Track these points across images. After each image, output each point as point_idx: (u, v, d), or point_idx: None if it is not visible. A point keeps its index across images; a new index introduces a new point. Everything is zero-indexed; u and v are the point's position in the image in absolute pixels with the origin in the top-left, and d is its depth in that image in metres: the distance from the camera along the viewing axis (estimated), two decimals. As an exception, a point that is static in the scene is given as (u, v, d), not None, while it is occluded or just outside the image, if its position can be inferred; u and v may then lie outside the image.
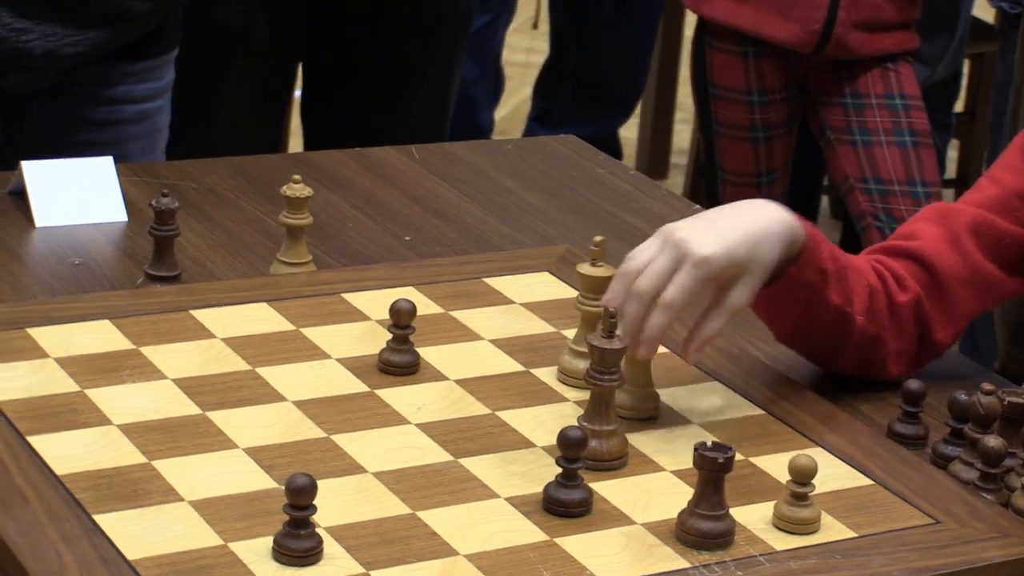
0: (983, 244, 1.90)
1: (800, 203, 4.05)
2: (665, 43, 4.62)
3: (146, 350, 1.85)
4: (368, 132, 2.84)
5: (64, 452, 1.65)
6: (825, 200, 4.73)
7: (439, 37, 3.03)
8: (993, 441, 1.72)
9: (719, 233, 1.74)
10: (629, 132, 4.79)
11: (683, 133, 4.98)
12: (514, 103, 4.77)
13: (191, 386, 1.79)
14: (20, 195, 2.20)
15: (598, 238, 1.92)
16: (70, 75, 2.45)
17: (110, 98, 2.51)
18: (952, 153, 4.69)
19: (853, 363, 1.91)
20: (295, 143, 3.24)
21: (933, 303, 1.91)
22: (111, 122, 2.52)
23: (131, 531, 1.54)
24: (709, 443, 1.60)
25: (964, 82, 4.60)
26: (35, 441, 1.67)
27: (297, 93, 3.15)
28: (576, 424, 1.67)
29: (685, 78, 4.74)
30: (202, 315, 1.93)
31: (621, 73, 4.07)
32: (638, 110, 4.71)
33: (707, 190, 3.57)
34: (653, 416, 1.81)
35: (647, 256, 1.75)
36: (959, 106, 4.63)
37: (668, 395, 1.85)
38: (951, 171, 4.75)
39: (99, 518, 1.55)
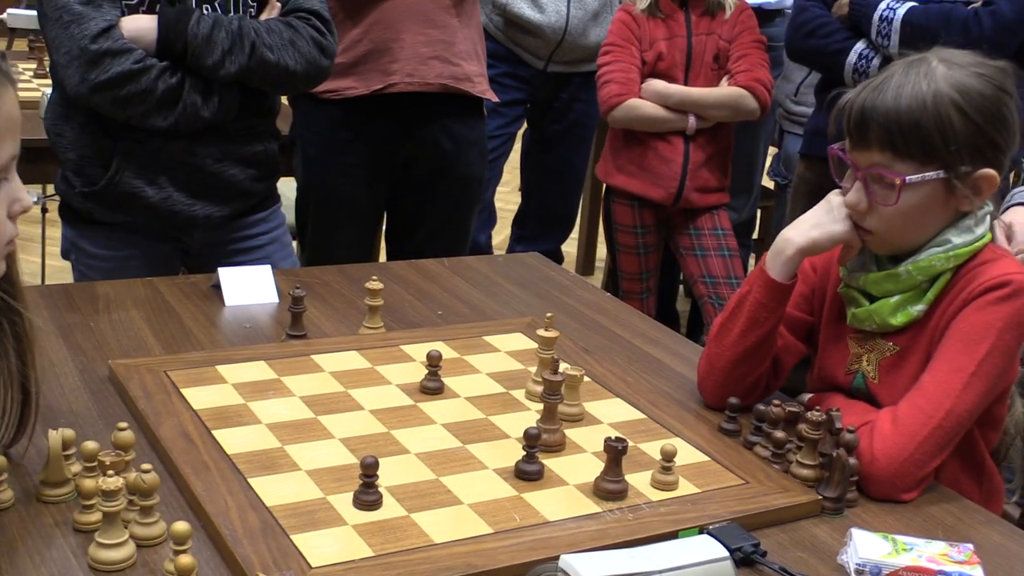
0: (787, 326, 1.81)
1: (665, 290, 3.98)
2: (591, 197, 4.57)
3: (284, 379, 1.75)
4: (422, 251, 2.75)
5: (233, 440, 1.56)
6: (681, 288, 4.63)
7: (465, 194, 2.94)
8: (780, 434, 1.64)
9: None
10: (570, 248, 4.69)
11: (602, 251, 4.89)
12: (504, 234, 4.69)
13: (309, 401, 1.69)
14: (217, 287, 2.10)
15: (549, 314, 1.84)
16: (220, 229, 2.38)
17: (245, 236, 2.43)
18: (752, 262, 4.60)
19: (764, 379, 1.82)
20: (382, 257, 3.15)
21: (774, 364, 1.82)
22: (252, 248, 2.43)
23: (270, 488, 1.45)
24: (613, 436, 1.51)
25: (758, 222, 4.52)
26: (216, 433, 1.57)
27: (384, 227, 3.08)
28: (534, 425, 1.57)
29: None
30: (318, 358, 1.83)
31: (562, 213, 4.01)
32: (575, 234, 4.63)
33: (613, 285, 3.49)
34: (579, 420, 1.71)
35: None
36: (755, 235, 4.54)
37: (588, 407, 1.75)
38: (748, 270, 4.67)
39: (251, 480, 1.46)
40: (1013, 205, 2.25)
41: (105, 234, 2.30)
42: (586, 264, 4.77)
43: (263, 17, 2.29)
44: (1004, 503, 1.82)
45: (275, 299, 2.09)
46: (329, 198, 2.86)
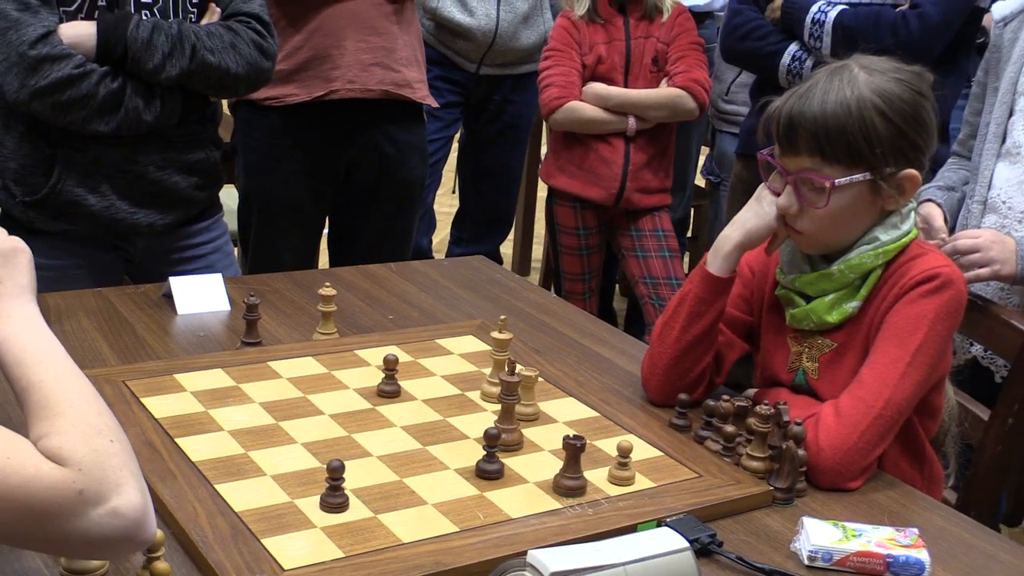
0: (728, 325, 1.88)
1: (604, 291, 4.05)
2: (527, 199, 4.62)
3: (243, 386, 1.79)
4: (366, 256, 2.79)
5: (197, 447, 1.59)
6: (617, 288, 4.71)
7: (407, 198, 2.98)
8: (730, 428, 1.70)
9: None
10: (506, 249, 4.74)
11: (537, 251, 4.95)
12: (442, 236, 4.72)
13: (269, 407, 1.73)
14: (168, 296, 2.12)
15: (502, 317, 1.89)
16: (163, 237, 2.39)
17: (189, 245, 2.45)
18: (686, 261, 4.68)
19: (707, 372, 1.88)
20: (323, 262, 3.18)
21: (715, 360, 1.88)
22: (195, 257, 2.45)
23: (237, 494, 1.48)
24: (571, 434, 1.56)
25: (691, 221, 4.61)
26: (179, 441, 1.60)
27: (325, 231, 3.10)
28: (493, 425, 1.62)
29: (538, 219, 4.73)
30: (275, 365, 1.87)
31: (499, 214, 4.06)
32: (512, 236, 4.68)
33: (555, 286, 3.54)
34: (535, 420, 1.77)
35: None
36: (689, 233, 4.63)
37: (544, 407, 1.81)
38: (685, 270, 4.76)
39: (218, 486, 1.50)
40: (923, 201, 2.35)
41: (47, 243, 2.31)
42: (522, 265, 4.83)
43: (203, 22, 2.31)
44: (943, 490, 1.91)
45: (227, 307, 2.12)
46: (271, 205, 2.88)
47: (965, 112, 2.46)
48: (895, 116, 1.69)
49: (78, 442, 1.02)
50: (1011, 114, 2.27)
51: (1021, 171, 2.23)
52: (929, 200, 2.36)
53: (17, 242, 1.23)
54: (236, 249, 2.95)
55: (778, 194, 1.76)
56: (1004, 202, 2.23)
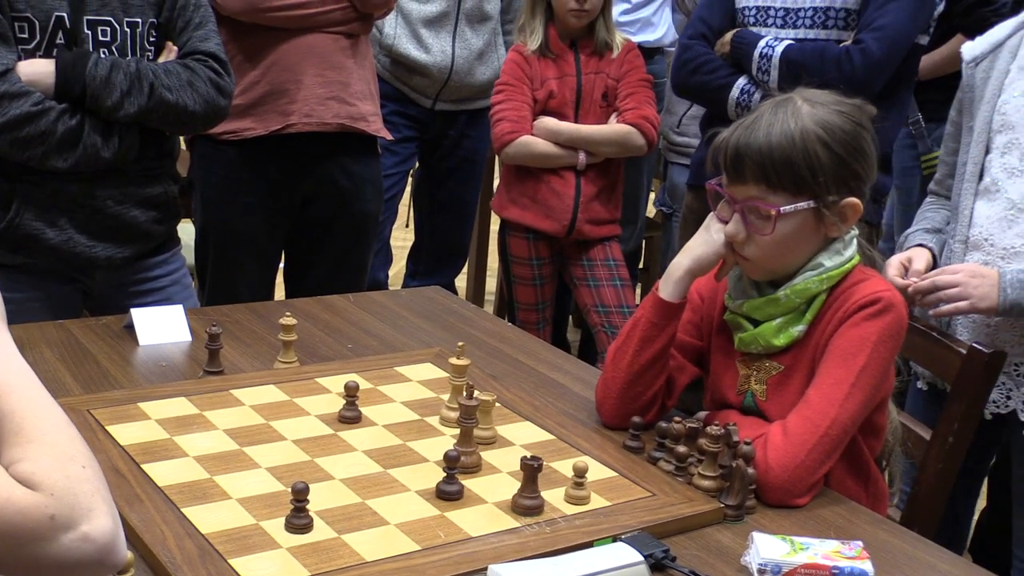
0: (679, 349, 1.95)
1: (557, 319, 4.11)
2: (480, 231, 4.68)
3: (207, 413, 1.83)
4: (321, 288, 2.83)
5: (162, 472, 1.63)
6: (570, 318, 4.77)
7: (363, 231, 3.04)
8: (682, 448, 1.76)
9: None
10: (460, 282, 4.80)
11: (491, 284, 5.02)
12: (397, 268, 4.77)
13: (233, 433, 1.77)
14: (130, 327, 2.17)
15: (460, 343, 1.94)
16: (122, 270, 2.43)
17: (147, 278, 2.49)
18: (638, 291, 4.75)
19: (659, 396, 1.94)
20: (278, 295, 3.22)
21: (667, 384, 1.95)
22: (153, 290, 2.49)
23: (203, 516, 1.52)
24: (528, 455, 1.61)
25: (643, 252, 4.69)
26: (146, 467, 1.64)
27: (281, 265, 3.14)
28: (452, 448, 1.67)
29: (491, 251, 4.80)
30: (237, 393, 1.91)
31: (454, 247, 4.12)
32: (465, 269, 4.74)
33: (509, 317, 3.60)
34: (492, 443, 1.82)
35: None
36: (641, 264, 4.70)
37: (501, 431, 1.86)
38: (636, 300, 4.83)
39: (185, 510, 1.53)
40: (913, 246, 2.41)
41: (6, 276, 2.34)
42: (476, 297, 4.88)
43: (160, 60, 2.36)
44: (888, 507, 1.98)
45: (188, 337, 2.16)
46: (229, 238, 2.93)
47: (940, 152, 2.50)
48: (837, 146, 1.77)
49: (50, 468, 1.05)
50: (987, 152, 2.30)
51: (1001, 207, 2.26)
52: (921, 245, 2.41)
53: None
54: (194, 282, 2.99)
55: (726, 222, 1.83)
56: (986, 239, 2.27)
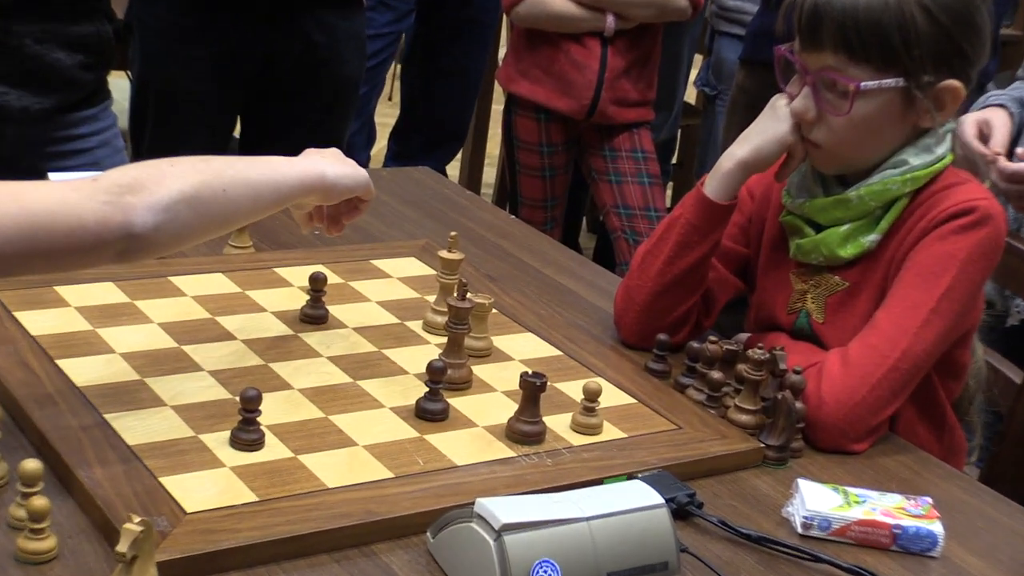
0: (721, 258, 1.93)
1: (568, 222, 4.10)
2: (479, 113, 4.64)
3: (138, 303, 1.82)
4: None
5: (82, 371, 1.62)
6: (584, 220, 4.76)
7: (340, 101, 3.00)
8: (716, 374, 1.75)
9: None
10: (453, 170, 4.78)
11: (489, 174, 4.99)
12: (378, 148, 4.74)
13: (170, 328, 1.76)
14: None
15: (453, 233, 1.93)
16: (40, 125, 2.39)
17: (69, 136, 2.46)
18: (668, 192, 4.74)
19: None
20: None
21: (704, 299, 1.93)
22: (77, 151, 2.46)
23: (130, 425, 1.52)
24: (529, 371, 1.61)
25: (678, 144, 4.67)
26: (61, 363, 1.63)
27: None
28: (438, 358, 1.66)
29: (492, 136, 4.77)
30: (176, 280, 1.91)
31: (451, 128, 4.08)
32: (459, 156, 4.71)
33: (510, 211, 3.58)
34: (487, 355, 1.81)
35: None
36: (675, 159, 4.69)
37: (498, 341, 1.85)
38: (667, 203, 4.82)
39: (108, 416, 1.53)
40: (990, 105, 2.37)
41: None
42: (470, 189, 4.87)
43: None
44: (964, 464, 1.97)
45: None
46: (172, 99, 2.89)
47: None
48: (941, 14, 1.73)
49: None
50: None
51: None
52: (999, 105, 2.36)
53: None
54: (127, 149, 2.96)
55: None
56: None
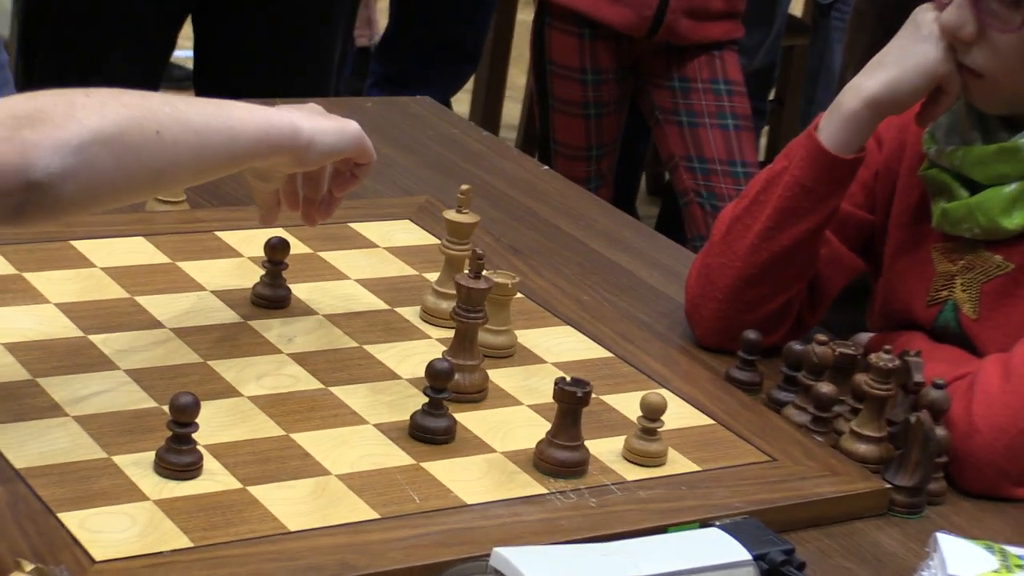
0: (834, 228, 1.94)
1: (622, 179, 4.11)
2: (499, 25, 4.65)
3: (29, 276, 1.85)
4: (250, 92, 2.83)
5: (-47, 367, 1.65)
6: (644, 178, 4.77)
7: (326, 6, 3.04)
8: (826, 387, 1.77)
9: None
10: (461, 107, 4.80)
11: (512, 110, 5.00)
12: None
13: (72, 310, 1.79)
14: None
15: (464, 187, 1.94)
16: None
17: None
18: (763, 140, 4.74)
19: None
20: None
21: (810, 285, 1.97)
22: None
23: (19, 441, 1.54)
24: (567, 379, 1.62)
25: (777, 73, 4.67)
26: (-75, 355, 1.66)
27: (187, 54, 3.13)
28: (442, 357, 1.68)
29: (516, 58, 4.78)
30: (81, 245, 1.93)
31: (461, 44, 4.09)
32: (471, 85, 4.73)
33: (540, 160, 3.60)
34: (508, 354, 1.84)
35: None
36: (773, 95, 4.69)
37: (523, 337, 1.88)
38: (760, 155, 4.82)
39: (-12, 430, 1.55)
40: None
41: None
42: (486, 129, 4.90)
43: None
44: None
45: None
46: (79, 6, 2.93)
47: None
48: None
49: None
50: None
51: None
52: None
53: None
54: (12, 67, 2.99)
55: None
56: None
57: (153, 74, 3.03)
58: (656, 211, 4.55)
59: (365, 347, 1.81)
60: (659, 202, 4.60)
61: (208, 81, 3.08)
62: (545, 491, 1.59)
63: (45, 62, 2.95)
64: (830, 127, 1.87)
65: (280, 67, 3.00)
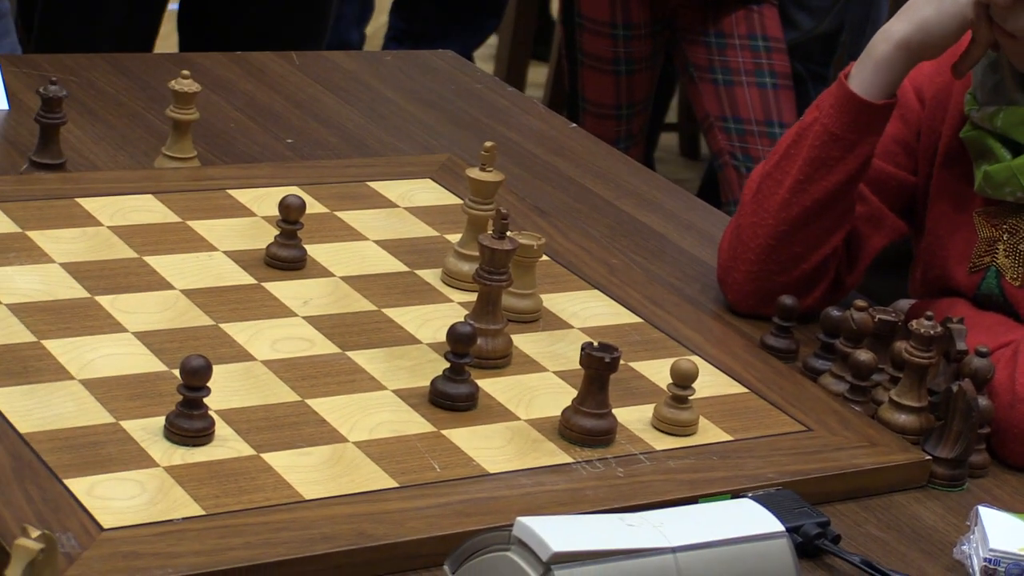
0: (873, 187, 1.95)
1: (654, 139, 4.11)
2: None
3: (33, 234, 1.86)
4: (244, 42, 2.84)
5: (-47, 327, 1.67)
6: (675, 137, 4.76)
7: None
8: (864, 355, 1.78)
9: None
10: (486, 62, 4.80)
11: (538, 69, 5.00)
12: (377, 25, 4.77)
13: (79, 270, 1.80)
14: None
15: (488, 143, 1.95)
16: None
17: None
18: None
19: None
20: (169, 45, 3.23)
21: (848, 245, 1.97)
22: None
23: (23, 406, 1.55)
24: (594, 344, 1.63)
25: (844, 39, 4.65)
26: (-75, 316, 1.68)
27: (174, 7, 3.14)
28: (464, 321, 1.70)
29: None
30: (88, 203, 1.94)
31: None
32: (494, 39, 4.73)
33: (568, 118, 3.59)
34: (534, 319, 1.85)
35: None
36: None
37: (549, 301, 1.89)
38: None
39: (-9, 393, 1.57)
40: None
41: None
42: (511, 85, 4.90)
43: None
44: None
45: (4, 104, 2.19)
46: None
47: None
48: None
49: None
50: None
51: None
52: None
53: None
54: (14, 18, 3.00)
55: None
56: None
57: (154, 17, 3.03)
58: (692, 173, 4.54)
59: (384, 310, 1.82)
60: (692, 164, 4.58)
61: (195, 25, 3.08)
62: (571, 460, 1.61)
63: (45, 10, 2.96)
64: (862, 73, 1.89)
65: (270, 9, 3.00)
